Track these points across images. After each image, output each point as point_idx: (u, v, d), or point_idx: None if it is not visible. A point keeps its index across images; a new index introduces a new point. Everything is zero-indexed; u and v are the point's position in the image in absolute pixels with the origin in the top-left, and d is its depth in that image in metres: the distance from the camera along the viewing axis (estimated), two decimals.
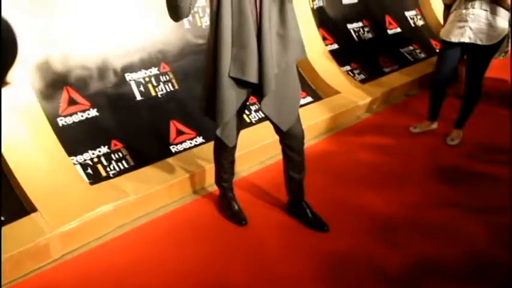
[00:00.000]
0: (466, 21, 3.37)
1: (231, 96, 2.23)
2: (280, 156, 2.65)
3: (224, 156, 2.62)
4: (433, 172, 3.35)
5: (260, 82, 2.20)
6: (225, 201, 2.81)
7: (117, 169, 3.06)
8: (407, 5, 6.23)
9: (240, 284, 2.32)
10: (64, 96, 3.11)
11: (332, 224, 2.68)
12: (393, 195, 3.04)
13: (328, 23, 5.03)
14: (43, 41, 3.06)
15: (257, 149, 3.33)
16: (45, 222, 2.46)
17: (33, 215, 2.52)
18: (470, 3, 3.33)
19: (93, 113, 3.20)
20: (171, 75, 3.61)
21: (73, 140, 3.02)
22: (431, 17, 6.36)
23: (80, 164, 2.97)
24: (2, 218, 2.45)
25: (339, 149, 3.70)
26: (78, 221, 2.52)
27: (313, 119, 3.81)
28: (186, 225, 2.76)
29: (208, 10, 2.22)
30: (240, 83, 2.23)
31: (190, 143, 3.40)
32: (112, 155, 3.10)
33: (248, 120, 3.71)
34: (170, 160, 3.15)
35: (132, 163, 3.13)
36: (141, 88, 3.44)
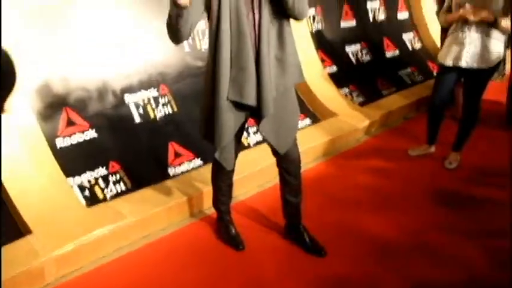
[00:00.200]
0: (462, 44, 3.39)
1: (229, 119, 2.24)
2: (278, 180, 2.65)
3: (222, 179, 2.62)
4: (431, 195, 3.34)
5: (258, 105, 2.21)
6: (223, 225, 2.80)
7: (115, 191, 3.05)
8: (404, 27, 6.30)
9: None
10: (63, 117, 3.12)
11: (330, 247, 2.66)
12: (392, 219, 3.03)
13: (327, 45, 5.07)
14: (43, 62, 3.08)
15: (255, 173, 3.32)
16: (40, 245, 2.44)
17: (28, 237, 2.50)
18: (467, 27, 3.36)
19: (91, 134, 3.20)
20: (170, 98, 3.62)
21: (71, 160, 3.02)
22: (429, 40, 6.41)
23: (78, 186, 2.96)
24: None
25: (337, 172, 3.70)
26: (74, 244, 2.50)
27: (311, 142, 3.82)
28: (183, 249, 2.74)
29: (208, 33, 2.23)
30: (239, 105, 2.24)
31: (189, 165, 3.39)
32: (110, 177, 3.09)
33: (246, 144, 3.72)
34: (168, 182, 3.15)
35: (129, 185, 3.12)
36: (140, 110, 3.45)
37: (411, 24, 6.43)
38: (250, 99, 2.20)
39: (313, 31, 4.94)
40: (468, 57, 3.39)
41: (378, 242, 2.80)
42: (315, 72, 4.58)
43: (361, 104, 4.79)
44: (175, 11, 2.01)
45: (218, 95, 2.18)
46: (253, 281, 2.47)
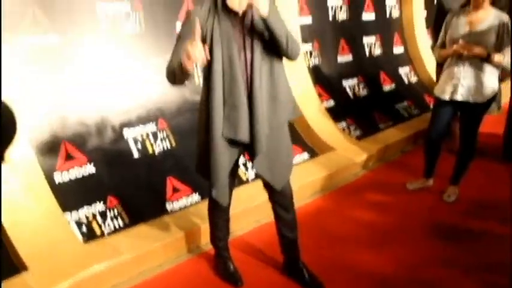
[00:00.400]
0: (458, 79, 3.44)
1: (223, 156, 2.26)
2: None
3: (218, 215, 2.61)
4: (430, 230, 3.33)
5: (252, 142, 2.24)
6: (221, 261, 2.78)
7: (112, 227, 3.04)
8: (400, 61, 6.40)
9: None
10: (62, 152, 3.13)
11: (328, 283, 2.63)
12: (390, 253, 3.01)
13: (324, 80, 5.14)
14: (43, 97, 3.11)
15: (252, 208, 3.31)
16: (35, 282, 2.42)
17: (23, 274, 2.48)
18: (461, 62, 3.41)
19: (90, 168, 3.20)
20: (169, 132, 3.64)
21: (69, 195, 3.01)
22: (424, 74, 6.51)
23: (75, 221, 2.95)
24: None
25: (335, 207, 3.69)
26: (70, 281, 2.47)
27: (309, 177, 3.83)
28: (181, 286, 2.71)
29: None
30: (232, 142, 2.27)
31: (187, 201, 3.39)
32: (107, 212, 3.09)
33: (244, 178, 3.72)
34: (166, 218, 3.14)
35: (127, 220, 3.11)
36: (139, 145, 3.47)
37: (407, 59, 6.54)
38: (244, 136, 2.23)
39: (311, 66, 5.02)
40: (463, 91, 3.44)
41: (376, 276, 2.77)
42: (312, 106, 4.63)
43: (359, 138, 4.82)
44: (183, 70, 2.07)
45: (212, 132, 2.21)
46: None
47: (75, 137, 3.21)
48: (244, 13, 2.14)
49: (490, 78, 3.39)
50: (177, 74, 2.15)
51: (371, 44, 5.97)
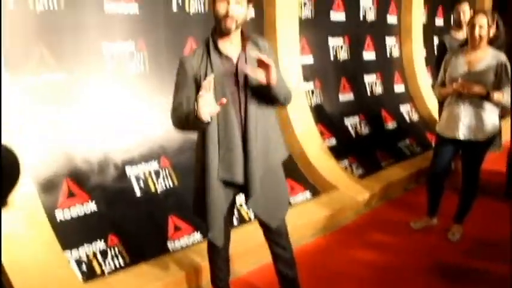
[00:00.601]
0: (458, 117, 3.46)
1: (219, 198, 2.28)
2: None
3: (218, 255, 2.59)
4: (434, 269, 3.28)
5: (246, 183, 2.26)
6: None
7: (112, 265, 3.01)
8: (401, 99, 6.45)
9: None
10: (64, 189, 3.13)
11: None
12: None
13: (326, 118, 5.18)
14: (46, 134, 3.14)
15: (254, 247, 3.28)
16: None
17: None
18: (461, 100, 3.44)
19: (91, 206, 3.19)
20: (171, 171, 3.65)
21: (69, 233, 2.99)
22: (426, 111, 6.55)
23: (75, 260, 2.92)
24: None
25: (337, 247, 3.64)
26: None
27: (311, 216, 3.81)
28: None
29: None
30: (228, 183, 2.29)
31: (188, 240, 3.36)
32: (108, 251, 3.06)
33: (247, 218, 3.70)
34: (167, 257, 3.11)
35: (128, 259, 3.07)
36: (141, 183, 3.47)
37: (408, 97, 6.60)
38: (239, 178, 2.26)
39: (312, 105, 5.06)
40: (465, 130, 3.45)
41: None
42: (314, 145, 4.64)
43: (361, 176, 4.82)
44: (198, 123, 2.07)
45: (208, 174, 2.23)
46: None
47: (77, 174, 3.22)
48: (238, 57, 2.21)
49: (491, 116, 3.41)
50: (191, 124, 2.13)
51: (372, 82, 6.05)
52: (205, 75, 2.17)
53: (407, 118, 6.34)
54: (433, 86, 4.99)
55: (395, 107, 6.26)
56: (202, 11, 3.97)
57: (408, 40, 6.63)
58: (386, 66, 6.34)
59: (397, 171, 5.04)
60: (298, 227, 3.51)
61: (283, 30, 4.52)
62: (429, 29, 7.14)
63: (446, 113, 3.58)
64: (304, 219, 3.73)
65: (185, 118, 2.14)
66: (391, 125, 5.99)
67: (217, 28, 2.19)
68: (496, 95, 3.30)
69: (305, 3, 5.00)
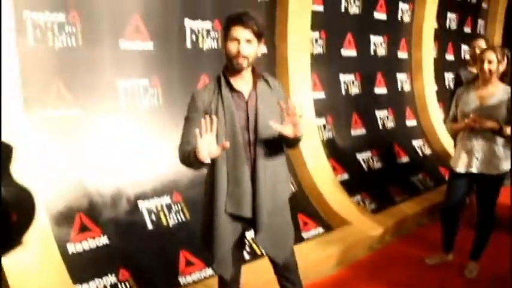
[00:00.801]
0: (472, 151, 3.45)
1: (226, 231, 2.28)
2: None
3: None
4: None
5: (254, 217, 2.27)
6: None
7: None
8: (413, 134, 6.45)
9: None
10: (76, 223, 3.15)
11: None
12: None
13: (338, 153, 5.18)
14: (59, 168, 3.17)
15: (266, 282, 3.22)
16: None
17: None
18: (474, 135, 3.44)
19: (103, 240, 3.20)
20: (183, 205, 3.66)
21: (81, 267, 2.99)
22: (439, 146, 6.53)
23: None
24: None
25: (350, 284, 3.59)
26: None
27: (323, 252, 3.77)
28: None
29: None
30: (236, 217, 2.29)
31: (200, 275, 3.34)
32: (119, 285, 3.05)
33: (259, 252, 3.67)
34: None
35: None
36: (153, 216, 3.48)
37: (420, 131, 6.59)
38: (247, 212, 2.26)
39: (324, 140, 5.07)
40: (478, 164, 3.43)
41: None
42: (326, 180, 4.63)
43: (374, 212, 4.77)
44: (197, 163, 2.10)
45: (216, 208, 2.24)
46: None
47: (90, 208, 3.24)
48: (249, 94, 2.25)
49: (503, 150, 3.40)
50: (192, 163, 2.15)
51: (384, 117, 6.07)
52: (216, 110, 2.20)
53: (420, 152, 6.32)
54: (444, 121, 4.99)
55: (407, 142, 6.25)
56: (216, 47, 4.06)
57: (419, 76, 6.67)
58: (397, 101, 6.37)
59: (410, 206, 4.99)
60: (310, 262, 3.47)
61: (295, 66, 4.59)
62: (440, 65, 7.19)
63: (459, 148, 3.57)
64: (317, 254, 3.69)
65: (187, 156, 2.16)
66: (403, 159, 5.97)
67: (229, 66, 2.23)
68: (509, 130, 3.29)
69: (317, 40, 5.09)
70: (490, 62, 3.35)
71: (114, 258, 3.15)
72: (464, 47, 7.91)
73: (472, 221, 3.99)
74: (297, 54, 4.61)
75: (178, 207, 3.63)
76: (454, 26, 7.62)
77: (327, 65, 5.23)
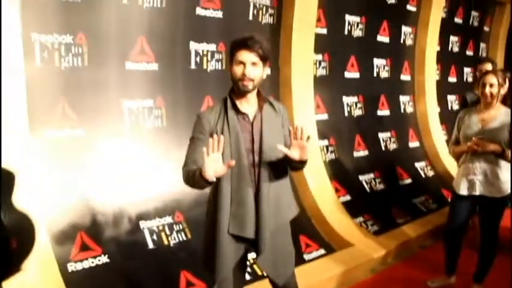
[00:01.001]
0: (474, 174, 3.45)
1: (229, 251, 2.28)
2: None
3: None
4: None
5: (257, 239, 2.27)
6: None
7: None
8: (416, 156, 6.45)
9: None
10: (77, 242, 3.16)
11: None
12: None
13: (341, 175, 5.19)
14: (63, 187, 3.20)
15: None
16: None
17: None
18: (476, 158, 3.44)
19: (104, 259, 3.21)
20: (185, 225, 3.66)
21: (81, 286, 2.99)
22: (441, 168, 6.52)
23: None
24: None
25: None
26: None
27: (325, 273, 3.75)
28: None
29: None
30: (238, 238, 2.29)
31: None
32: None
33: (260, 273, 3.66)
34: None
35: None
36: (154, 236, 3.48)
37: (422, 153, 6.60)
38: (249, 233, 2.27)
39: (327, 161, 5.09)
40: (481, 187, 3.43)
41: None
42: (329, 201, 4.63)
43: (376, 233, 4.76)
44: (202, 182, 2.10)
45: (219, 228, 2.24)
46: None
47: (91, 227, 3.26)
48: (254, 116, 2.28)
49: (507, 173, 3.40)
50: (196, 181, 2.14)
51: (386, 139, 6.08)
52: (222, 131, 2.22)
53: (422, 174, 6.31)
54: (447, 142, 5.00)
55: (410, 164, 6.26)
56: (220, 68, 4.11)
57: (422, 98, 6.71)
58: (400, 124, 6.39)
59: (413, 228, 4.96)
60: (312, 284, 3.46)
61: (298, 88, 4.64)
62: (442, 87, 7.23)
63: (462, 170, 3.57)
64: (319, 276, 3.67)
65: (192, 175, 2.16)
66: (406, 181, 5.97)
67: (235, 88, 2.26)
68: (510, 153, 3.30)
69: (320, 62, 5.14)
70: (491, 85, 3.38)
71: (113, 278, 3.15)
72: (467, 70, 7.98)
73: (475, 243, 3.97)
74: (301, 76, 4.66)
75: (180, 227, 3.63)
76: (456, 49, 7.69)
77: (330, 87, 5.28)
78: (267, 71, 2.29)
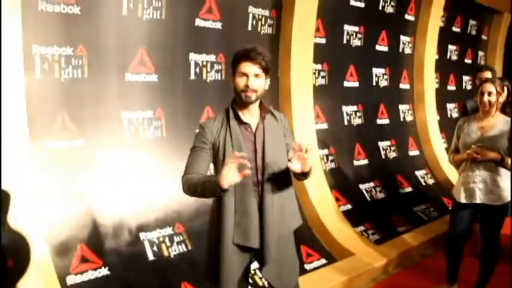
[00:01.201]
0: (474, 182, 3.45)
1: (233, 262, 2.27)
2: None
3: None
4: None
5: (261, 249, 2.26)
6: None
7: None
8: (416, 164, 6.46)
9: None
10: (77, 254, 3.15)
11: None
12: None
13: (341, 184, 5.19)
14: (63, 198, 3.20)
15: None
16: None
17: None
18: (476, 166, 3.44)
19: (104, 271, 3.20)
20: (185, 236, 3.66)
21: None
22: (442, 176, 6.52)
23: None
24: None
25: None
26: None
27: (327, 283, 3.73)
28: None
29: None
30: (242, 248, 2.28)
31: None
32: None
33: (261, 283, 3.65)
34: None
35: None
36: (155, 248, 3.47)
37: (423, 161, 6.60)
38: (254, 243, 2.26)
39: (327, 170, 5.09)
40: (481, 194, 3.43)
41: None
42: (329, 211, 4.63)
43: (377, 242, 4.74)
44: (215, 189, 2.06)
45: (223, 238, 2.24)
46: None
47: (91, 239, 3.25)
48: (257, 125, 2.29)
49: (507, 181, 3.40)
50: (206, 189, 2.11)
51: (386, 147, 6.09)
52: (224, 141, 2.23)
53: (423, 182, 6.31)
54: (447, 150, 5.00)
55: (410, 172, 6.26)
56: (219, 78, 4.13)
57: (421, 106, 6.72)
58: (400, 132, 6.40)
59: (414, 236, 4.95)
60: None
61: (298, 97, 4.65)
62: (441, 95, 7.25)
63: (462, 178, 3.57)
64: (320, 286, 3.66)
65: (201, 183, 2.14)
66: (406, 189, 5.96)
67: (238, 100, 2.27)
68: (510, 161, 3.30)
69: (319, 72, 5.16)
70: (489, 94, 3.39)
71: None
72: (466, 78, 8.00)
73: (476, 251, 3.96)
74: (300, 86, 4.68)
75: (180, 238, 3.63)
76: (454, 57, 7.72)
77: (329, 96, 5.29)
78: (269, 81, 2.31)
